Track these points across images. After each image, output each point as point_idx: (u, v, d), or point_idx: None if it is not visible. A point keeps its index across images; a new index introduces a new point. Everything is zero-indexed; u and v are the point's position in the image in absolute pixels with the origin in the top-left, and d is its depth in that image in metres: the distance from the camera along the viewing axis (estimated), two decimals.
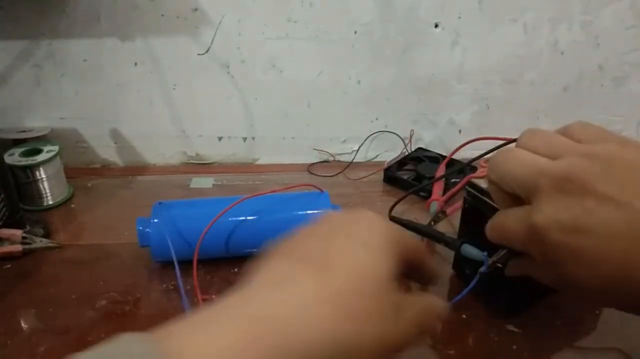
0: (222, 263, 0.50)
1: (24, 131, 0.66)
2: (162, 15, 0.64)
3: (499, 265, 0.35)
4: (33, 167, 0.59)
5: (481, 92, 0.74)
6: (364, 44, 0.69)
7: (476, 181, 0.42)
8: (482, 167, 0.63)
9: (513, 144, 0.32)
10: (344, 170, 0.72)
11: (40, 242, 0.53)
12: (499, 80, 0.73)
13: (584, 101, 0.76)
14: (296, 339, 0.23)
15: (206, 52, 0.67)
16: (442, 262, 0.50)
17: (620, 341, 0.42)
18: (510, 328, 0.43)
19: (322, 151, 0.76)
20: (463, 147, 0.64)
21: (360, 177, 0.71)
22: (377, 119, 0.75)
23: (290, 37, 0.67)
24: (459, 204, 0.57)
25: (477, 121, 0.76)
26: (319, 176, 0.72)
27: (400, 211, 0.55)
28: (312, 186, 0.53)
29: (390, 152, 0.76)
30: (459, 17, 0.68)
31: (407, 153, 0.74)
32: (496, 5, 0.68)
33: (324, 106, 0.73)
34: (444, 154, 0.71)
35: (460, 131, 0.77)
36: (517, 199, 0.30)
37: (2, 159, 0.53)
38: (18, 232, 0.52)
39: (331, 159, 0.76)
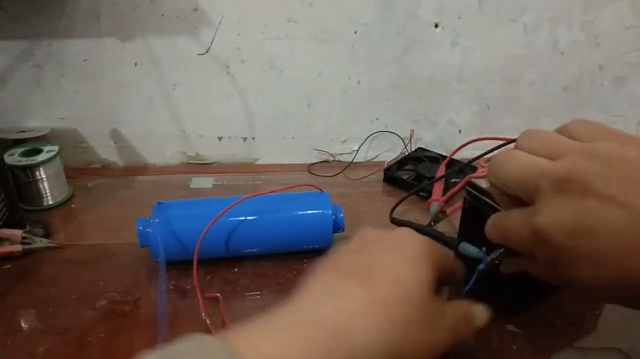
0: (222, 263, 0.50)
1: (24, 131, 0.66)
2: (162, 15, 0.64)
3: (497, 262, 0.35)
4: (33, 167, 0.59)
5: (481, 92, 0.74)
6: (364, 44, 0.69)
7: (476, 181, 0.42)
8: (482, 167, 0.63)
9: (512, 145, 0.32)
10: (344, 170, 0.73)
11: (40, 242, 0.53)
12: (499, 80, 0.73)
13: (584, 101, 0.76)
14: (345, 342, 0.26)
15: (206, 52, 0.67)
16: None
17: (620, 341, 0.42)
18: (510, 328, 0.43)
19: (322, 151, 0.76)
20: (463, 147, 0.64)
21: (360, 177, 0.71)
22: (377, 119, 0.75)
23: (290, 37, 0.67)
24: (459, 204, 0.57)
25: (477, 121, 0.76)
26: (319, 176, 0.72)
27: (400, 211, 0.55)
28: (312, 186, 0.53)
29: (390, 152, 0.76)
30: (459, 17, 0.68)
31: (407, 153, 0.74)
32: (496, 5, 0.68)
33: (324, 106, 0.73)
34: (444, 154, 0.71)
35: (460, 131, 0.77)
36: (520, 200, 0.30)
37: (2, 159, 0.53)
38: (18, 232, 0.52)
39: (331, 159, 0.76)
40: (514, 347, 0.41)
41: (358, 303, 0.28)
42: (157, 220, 0.48)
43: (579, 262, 0.27)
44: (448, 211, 0.59)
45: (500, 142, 0.40)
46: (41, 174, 0.60)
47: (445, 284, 0.35)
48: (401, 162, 0.72)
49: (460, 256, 0.39)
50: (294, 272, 0.50)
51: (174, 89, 0.69)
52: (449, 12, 0.68)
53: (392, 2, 0.66)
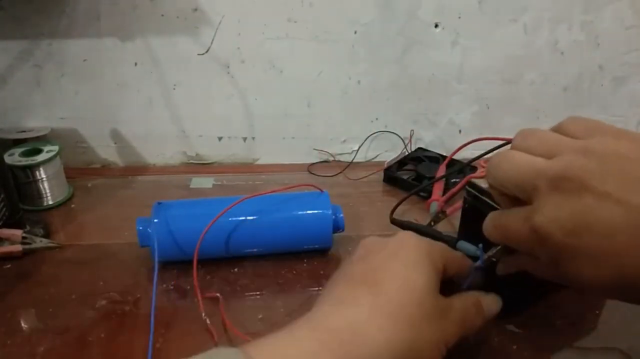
0: (222, 263, 0.50)
1: (24, 131, 0.66)
2: (162, 15, 0.64)
3: (494, 259, 0.35)
4: (33, 167, 0.59)
5: (481, 92, 0.74)
6: (364, 44, 0.69)
7: (476, 181, 0.42)
8: (482, 167, 0.63)
9: (509, 146, 0.32)
10: (344, 170, 0.72)
11: (40, 242, 0.53)
12: (499, 80, 0.73)
13: (584, 101, 0.76)
14: (358, 345, 0.29)
15: (206, 52, 0.67)
16: None
17: (620, 341, 0.42)
18: (511, 328, 0.43)
19: (322, 151, 0.76)
20: (463, 148, 0.64)
21: (360, 177, 0.71)
22: (377, 119, 0.75)
23: (290, 37, 0.67)
24: (459, 204, 0.57)
25: (477, 121, 0.76)
26: (319, 176, 0.72)
27: (400, 211, 0.55)
28: (312, 186, 0.53)
29: (390, 152, 0.76)
30: (459, 17, 0.68)
31: (407, 153, 0.74)
32: (496, 5, 0.68)
33: (324, 106, 0.73)
34: (444, 154, 0.71)
35: (460, 131, 0.77)
36: (519, 200, 0.30)
37: (2, 159, 0.53)
38: (18, 232, 0.52)
39: (331, 159, 0.76)
40: (514, 347, 0.41)
41: (366, 309, 0.30)
42: (157, 220, 0.48)
43: (579, 260, 0.27)
44: (448, 211, 0.59)
45: (500, 142, 0.40)
46: (41, 174, 0.60)
47: (453, 280, 0.36)
48: (401, 162, 0.72)
49: None
50: (294, 272, 0.50)
51: (174, 89, 0.69)
52: (449, 12, 0.68)
53: (392, 2, 0.66)
